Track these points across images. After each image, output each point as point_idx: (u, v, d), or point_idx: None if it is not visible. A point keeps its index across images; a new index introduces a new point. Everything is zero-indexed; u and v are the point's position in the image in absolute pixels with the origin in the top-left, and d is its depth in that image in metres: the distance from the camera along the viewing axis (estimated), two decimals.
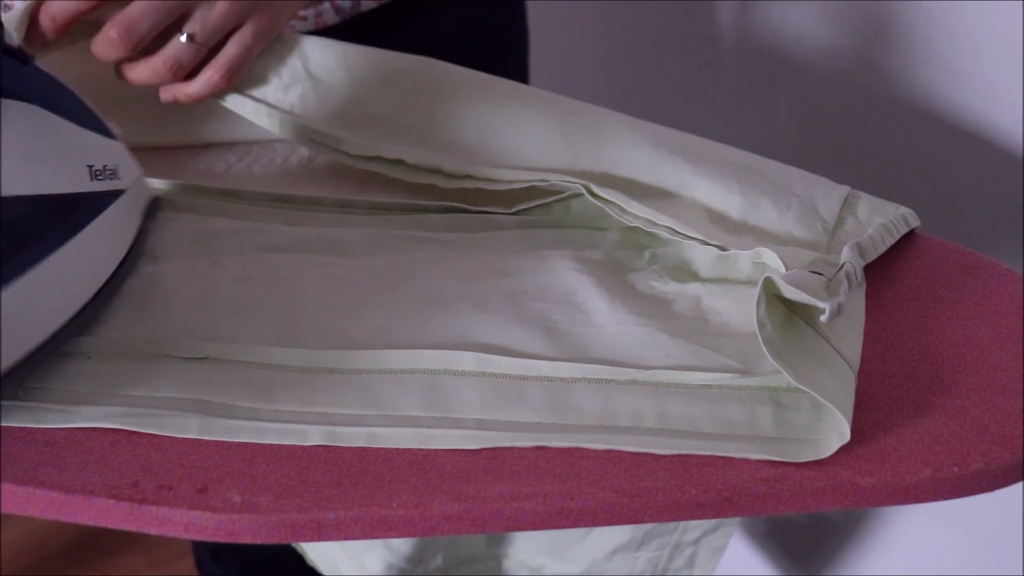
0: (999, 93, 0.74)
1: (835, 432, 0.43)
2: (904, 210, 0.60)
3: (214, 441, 0.43)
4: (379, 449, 0.43)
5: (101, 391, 0.45)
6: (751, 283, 0.54)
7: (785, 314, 0.46)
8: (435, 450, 0.43)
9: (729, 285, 0.54)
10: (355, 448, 0.43)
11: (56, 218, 0.47)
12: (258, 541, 0.40)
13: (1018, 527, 0.80)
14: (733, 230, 0.57)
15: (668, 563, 0.76)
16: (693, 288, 0.54)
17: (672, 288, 0.54)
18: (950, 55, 0.77)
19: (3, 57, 0.46)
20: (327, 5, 0.69)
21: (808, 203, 0.58)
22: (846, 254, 0.51)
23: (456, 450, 0.43)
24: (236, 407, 0.45)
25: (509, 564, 0.83)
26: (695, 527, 0.72)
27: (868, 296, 0.54)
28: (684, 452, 0.43)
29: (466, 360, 0.48)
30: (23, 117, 0.46)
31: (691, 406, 0.46)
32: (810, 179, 0.61)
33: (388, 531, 0.40)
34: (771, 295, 0.45)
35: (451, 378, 0.47)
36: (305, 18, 0.72)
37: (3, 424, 0.43)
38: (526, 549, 0.82)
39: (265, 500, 0.40)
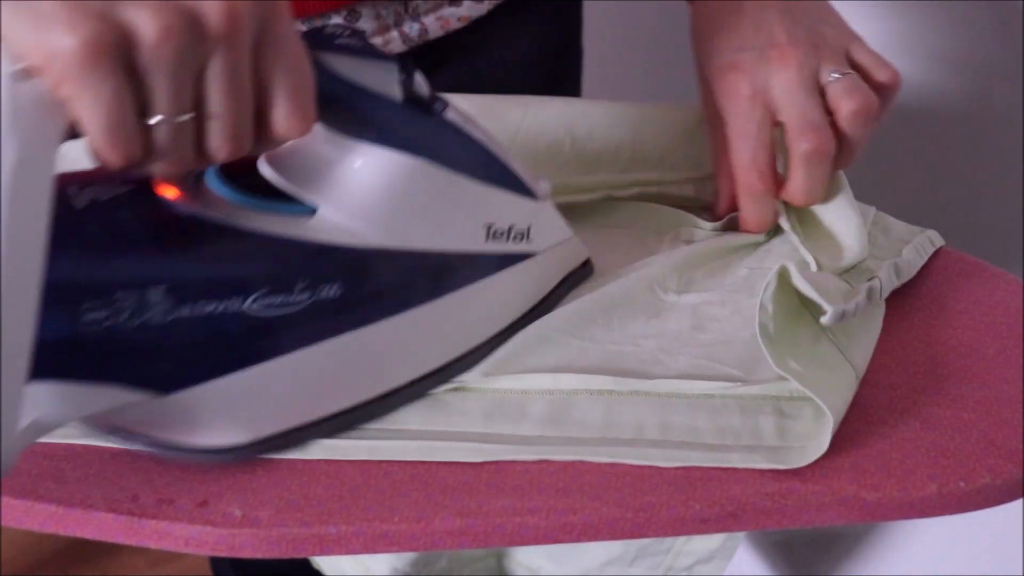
0: (1001, 98, 0.74)
1: (829, 432, 0.43)
2: (930, 232, 0.60)
3: None
4: (381, 463, 0.43)
5: None
6: (746, 293, 0.54)
7: (796, 309, 0.46)
8: (437, 464, 0.43)
9: (726, 294, 0.54)
10: (357, 462, 0.43)
11: (426, 276, 0.45)
12: (259, 556, 0.39)
13: (1018, 528, 0.80)
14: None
15: None
16: (689, 298, 0.54)
17: (669, 298, 0.54)
18: (949, 59, 0.77)
19: (398, 108, 0.43)
20: (395, 33, 0.68)
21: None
22: (884, 270, 0.52)
23: (458, 464, 0.43)
24: None
25: (508, 563, 0.84)
26: (687, 554, 0.71)
27: None
28: (688, 464, 0.43)
29: (467, 374, 0.47)
30: (405, 170, 0.44)
31: (694, 416, 0.46)
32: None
33: (390, 546, 0.40)
34: (784, 291, 0.45)
35: (453, 392, 0.47)
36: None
37: None
38: (526, 552, 0.82)
39: (266, 514, 0.40)
